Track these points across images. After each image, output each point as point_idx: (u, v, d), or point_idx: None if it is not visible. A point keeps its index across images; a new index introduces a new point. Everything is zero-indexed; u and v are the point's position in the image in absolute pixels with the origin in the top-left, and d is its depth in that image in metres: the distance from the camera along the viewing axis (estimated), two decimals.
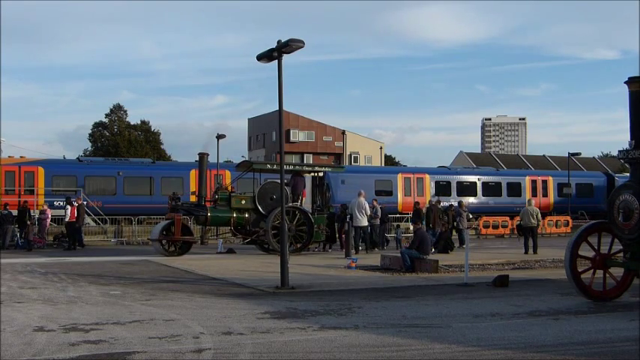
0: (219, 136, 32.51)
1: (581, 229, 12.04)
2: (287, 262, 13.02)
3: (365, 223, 22.37)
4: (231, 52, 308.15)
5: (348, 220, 22.20)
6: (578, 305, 10.88)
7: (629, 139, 10.78)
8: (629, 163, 11.03)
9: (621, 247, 11.33)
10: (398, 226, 26.52)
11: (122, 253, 22.42)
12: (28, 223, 24.41)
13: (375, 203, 24.80)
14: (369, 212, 22.53)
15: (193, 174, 34.48)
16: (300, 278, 13.98)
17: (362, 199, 22.56)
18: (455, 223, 24.44)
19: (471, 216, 29.69)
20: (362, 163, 71.10)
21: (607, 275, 11.42)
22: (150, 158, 52.52)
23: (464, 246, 23.26)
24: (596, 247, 11.65)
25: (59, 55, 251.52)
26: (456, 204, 26.52)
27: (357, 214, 22.13)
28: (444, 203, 28.16)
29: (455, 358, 7.20)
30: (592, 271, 11.44)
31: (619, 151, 11.11)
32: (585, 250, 11.61)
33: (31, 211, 26.99)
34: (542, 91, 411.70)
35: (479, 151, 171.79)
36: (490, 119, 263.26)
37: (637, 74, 10.66)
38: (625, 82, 10.76)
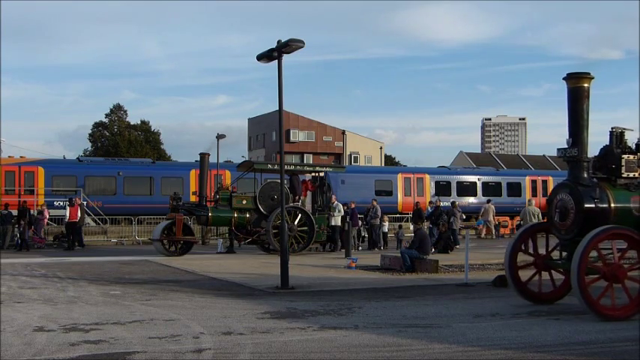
0: (220, 136, 32.53)
1: (521, 229, 11.94)
2: (287, 262, 13.01)
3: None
4: (234, 52, 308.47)
5: (347, 220, 22.29)
6: (578, 305, 10.85)
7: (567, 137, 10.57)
8: (567, 162, 10.77)
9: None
10: (400, 226, 26.49)
11: (122, 253, 22.42)
12: (22, 222, 24.40)
13: (374, 203, 24.98)
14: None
15: (193, 174, 34.48)
16: (300, 278, 13.97)
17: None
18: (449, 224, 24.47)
19: (464, 217, 29.87)
20: (362, 163, 70.98)
21: (548, 276, 11.17)
22: (150, 158, 52.52)
23: (457, 246, 23.30)
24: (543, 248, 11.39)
25: (61, 55, 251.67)
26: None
27: (337, 214, 23.09)
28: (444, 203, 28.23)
29: (455, 358, 7.20)
30: (535, 272, 11.20)
31: (557, 149, 10.84)
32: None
33: (31, 211, 27.00)
34: (544, 91, 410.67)
35: (479, 151, 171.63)
36: (490, 119, 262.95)
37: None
38: (563, 79, 10.60)
